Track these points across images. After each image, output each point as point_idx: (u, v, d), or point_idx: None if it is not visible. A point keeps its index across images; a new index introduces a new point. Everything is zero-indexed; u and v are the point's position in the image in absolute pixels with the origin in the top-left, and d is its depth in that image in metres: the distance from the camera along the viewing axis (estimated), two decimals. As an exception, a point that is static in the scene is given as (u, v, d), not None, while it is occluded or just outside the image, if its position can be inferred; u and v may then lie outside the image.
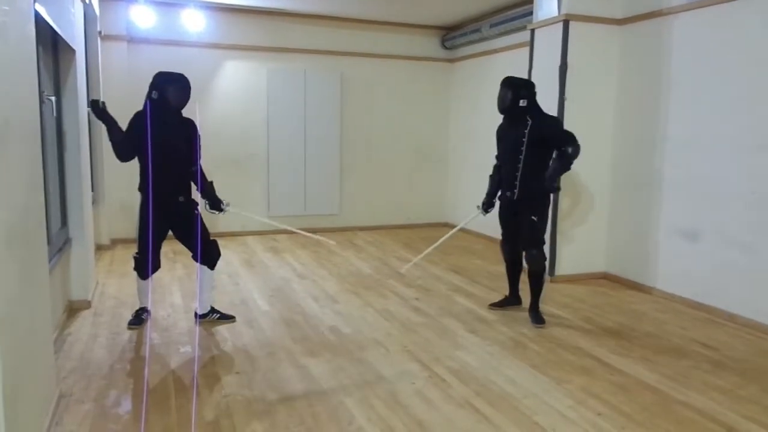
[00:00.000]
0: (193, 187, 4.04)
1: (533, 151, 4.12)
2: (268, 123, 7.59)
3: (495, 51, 7.36)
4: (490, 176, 4.52)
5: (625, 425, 2.83)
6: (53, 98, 4.11)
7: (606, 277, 5.62)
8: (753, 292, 4.29)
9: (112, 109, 6.76)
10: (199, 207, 4.06)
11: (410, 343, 3.88)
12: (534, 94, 4.17)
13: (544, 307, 4.67)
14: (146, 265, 3.94)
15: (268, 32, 7.48)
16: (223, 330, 4.09)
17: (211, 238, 4.16)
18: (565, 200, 5.45)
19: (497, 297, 4.80)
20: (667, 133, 4.98)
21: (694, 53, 4.73)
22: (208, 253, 4.09)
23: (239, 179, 7.38)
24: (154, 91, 3.83)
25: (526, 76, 5.72)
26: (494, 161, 4.51)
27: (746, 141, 4.33)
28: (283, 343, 3.86)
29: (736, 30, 4.38)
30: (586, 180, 5.49)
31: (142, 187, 3.92)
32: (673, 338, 4.07)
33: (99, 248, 6.38)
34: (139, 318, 4.13)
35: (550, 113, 4.48)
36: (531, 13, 5.81)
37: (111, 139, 3.86)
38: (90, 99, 3.72)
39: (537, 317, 4.29)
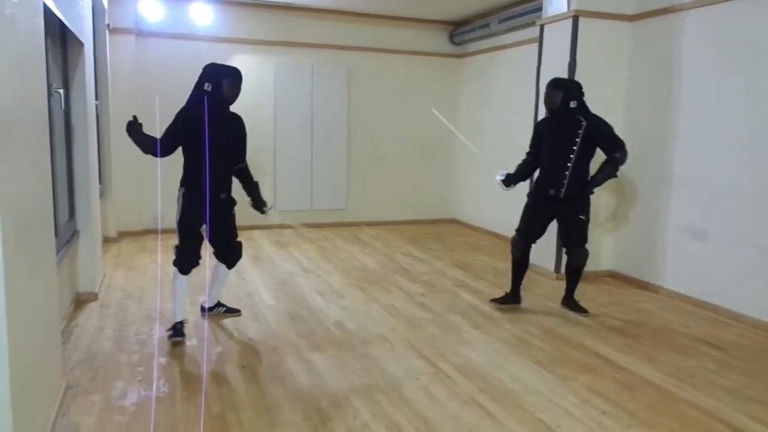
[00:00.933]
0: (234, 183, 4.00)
1: (583, 152, 4.21)
2: (275, 117, 7.59)
3: (504, 47, 7.33)
4: (519, 165, 4.55)
5: (630, 423, 2.82)
6: (61, 91, 4.12)
7: (612, 276, 5.60)
8: (760, 291, 4.27)
9: (119, 102, 6.81)
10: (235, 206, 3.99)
11: (415, 338, 3.89)
12: (582, 94, 4.23)
13: (548, 304, 4.68)
14: (190, 256, 3.78)
15: (276, 26, 7.48)
16: (229, 324, 4.10)
17: (237, 239, 4.09)
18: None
19: (502, 293, 4.79)
20: (677, 130, 4.95)
21: (706, 50, 4.70)
22: (231, 254, 4.07)
23: (246, 173, 7.38)
24: (207, 84, 3.66)
25: (534, 73, 5.71)
26: (524, 156, 4.56)
27: (756, 139, 4.30)
28: (288, 337, 3.87)
29: (748, 27, 4.34)
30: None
31: (187, 182, 3.79)
32: (679, 337, 4.05)
33: (106, 241, 6.41)
34: (180, 331, 3.77)
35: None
36: (540, 9, 5.79)
37: (149, 151, 3.67)
38: (129, 120, 3.62)
39: (581, 307, 4.48)
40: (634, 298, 4.97)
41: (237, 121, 3.93)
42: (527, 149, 4.57)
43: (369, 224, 8.18)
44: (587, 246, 4.38)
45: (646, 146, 5.22)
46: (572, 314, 4.46)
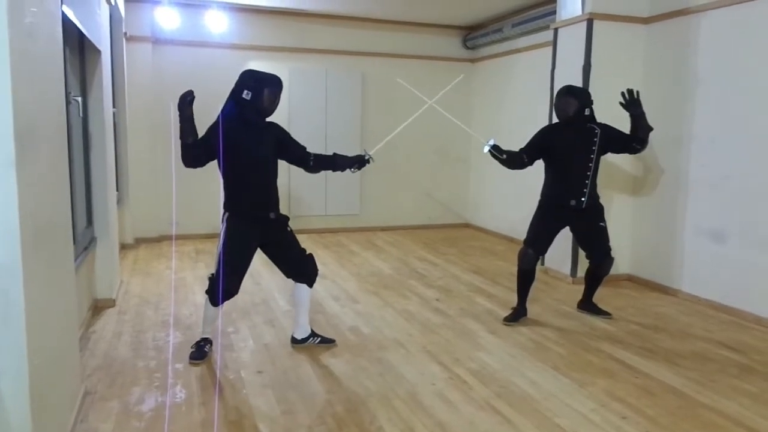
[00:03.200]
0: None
1: (599, 160, 4.21)
2: (289, 123, 7.60)
3: (517, 51, 7.31)
4: (513, 153, 4.25)
5: (650, 429, 2.78)
6: (79, 99, 4.17)
7: (630, 279, 5.54)
8: (782, 295, 4.20)
9: (136, 110, 6.89)
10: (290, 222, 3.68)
11: (430, 343, 3.87)
12: (592, 102, 4.21)
13: (565, 308, 4.64)
14: (228, 289, 3.41)
15: (290, 32, 7.52)
16: (244, 330, 4.11)
17: (307, 253, 3.75)
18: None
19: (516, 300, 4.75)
20: (693, 132, 4.89)
21: (721, 52, 4.65)
22: (305, 270, 3.70)
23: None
24: (246, 92, 3.31)
25: (548, 77, 5.68)
26: (520, 151, 4.29)
27: (775, 141, 4.24)
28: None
29: (764, 28, 4.28)
30: (609, 180, 5.41)
31: (230, 205, 3.45)
32: (698, 341, 3.99)
33: (123, 247, 6.47)
34: (201, 351, 3.55)
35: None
36: (554, 13, 5.76)
37: (183, 140, 3.27)
38: (184, 93, 3.19)
39: (603, 310, 4.48)
40: (653, 302, 4.91)
41: (274, 129, 3.56)
42: (522, 147, 4.32)
43: (384, 229, 8.18)
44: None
45: (663, 148, 5.16)
46: (589, 318, 4.41)
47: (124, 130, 6.47)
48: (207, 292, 3.49)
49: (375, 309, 4.61)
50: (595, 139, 4.15)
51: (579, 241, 4.53)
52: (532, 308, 4.49)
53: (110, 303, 4.57)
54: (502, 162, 4.22)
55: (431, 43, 8.20)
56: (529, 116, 6.87)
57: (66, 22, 3.13)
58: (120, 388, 3.14)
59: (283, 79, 7.96)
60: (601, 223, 4.29)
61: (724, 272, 4.64)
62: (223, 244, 3.39)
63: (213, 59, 7.15)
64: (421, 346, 3.83)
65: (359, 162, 3.73)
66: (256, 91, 3.32)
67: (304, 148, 3.64)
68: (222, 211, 3.49)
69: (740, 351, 3.82)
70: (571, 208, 4.20)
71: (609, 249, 4.33)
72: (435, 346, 3.82)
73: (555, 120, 5.56)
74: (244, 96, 3.32)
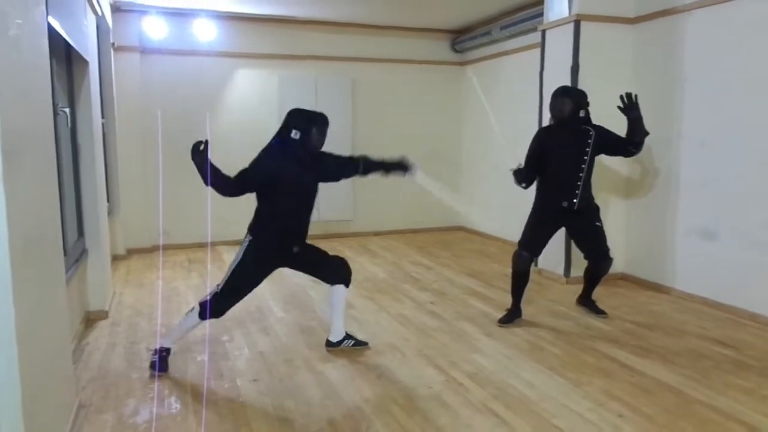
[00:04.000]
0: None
1: (592, 161, 4.18)
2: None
3: (506, 53, 7.34)
4: (521, 171, 4.27)
5: (647, 427, 2.79)
6: (67, 110, 4.15)
7: (624, 278, 5.56)
8: (774, 290, 4.22)
9: (125, 120, 6.86)
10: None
11: (426, 347, 3.86)
12: (588, 104, 4.19)
13: (560, 308, 4.65)
14: (221, 309, 3.40)
15: (279, 40, 7.52)
16: (239, 338, 4.09)
17: (333, 255, 3.75)
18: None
19: (510, 304, 4.75)
20: (682, 131, 4.92)
21: (709, 51, 4.68)
22: (338, 266, 3.69)
23: (253, 187, 7.40)
24: (294, 131, 3.36)
25: (537, 78, 5.70)
26: (522, 165, 4.28)
27: (763, 138, 4.26)
28: (299, 349, 3.86)
29: (751, 26, 4.32)
30: (602, 180, 5.42)
31: (258, 232, 3.41)
32: (693, 338, 4.01)
33: (115, 258, 6.43)
34: (164, 362, 3.45)
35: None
36: (541, 14, 5.79)
37: (207, 183, 3.13)
38: (195, 143, 3.08)
39: (600, 309, 4.49)
40: (647, 300, 4.93)
41: (320, 160, 3.56)
42: (524, 160, 4.32)
43: (377, 234, 8.17)
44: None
45: (653, 148, 5.19)
46: (584, 318, 4.42)
47: (114, 140, 6.44)
48: (201, 305, 3.37)
49: (370, 314, 4.60)
50: (589, 141, 4.13)
51: (576, 242, 4.50)
52: (527, 309, 4.49)
53: (103, 315, 4.54)
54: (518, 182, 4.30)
55: (420, 47, 8.22)
56: (518, 117, 6.90)
57: (52, 33, 3.11)
58: (114, 400, 3.12)
59: (272, 86, 8.02)
60: (597, 224, 4.27)
61: (717, 270, 4.66)
62: (237, 267, 3.36)
63: (202, 68, 7.14)
64: (417, 350, 3.83)
65: (404, 168, 3.78)
66: (305, 130, 3.37)
67: (349, 156, 3.76)
68: (247, 231, 3.43)
69: (734, 347, 3.83)
70: (564, 209, 4.19)
71: (607, 249, 4.32)
72: (431, 350, 3.81)
73: (545, 121, 5.62)
74: (292, 136, 3.37)
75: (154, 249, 7.06)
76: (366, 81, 8.00)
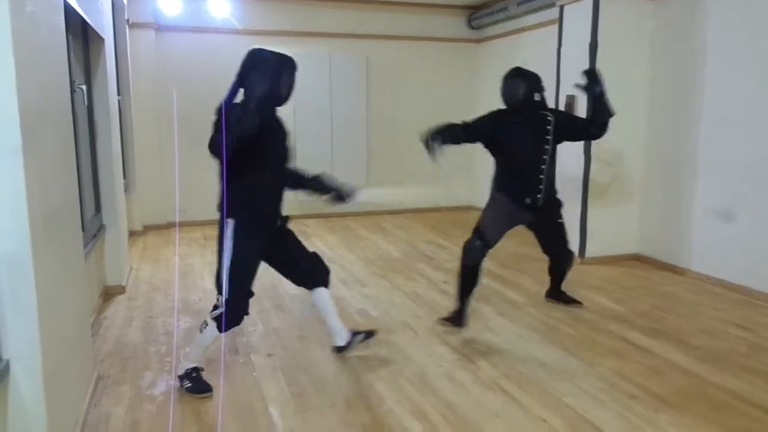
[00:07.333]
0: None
1: (554, 151, 3.73)
2: (294, 108, 7.59)
3: (523, 29, 7.22)
4: (448, 126, 3.74)
5: (659, 408, 2.79)
6: (84, 87, 4.17)
7: (639, 259, 5.52)
8: (792, 272, 4.18)
9: (141, 97, 6.88)
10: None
11: (438, 325, 3.88)
12: (544, 88, 3.74)
13: (574, 288, 4.64)
14: (238, 313, 2.93)
15: (293, 17, 7.47)
16: (254, 314, 4.11)
17: (312, 251, 3.29)
18: (596, 180, 5.35)
19: (526, 280, 4.76)
20: (703, 111, 4.84)
21: (731, 28, 4.58)
22: (315, 265, 3.26)
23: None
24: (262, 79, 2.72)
25: (555, 56, 5.62)
26: (459, 123, 3.81)
27: (785, 117, 4.19)
28: (312, 326, 3.89)
29: (775, 2, 4.22)
30: (618, 160, 5.38)
31: (237, 210, 2.84)
32: (707, 320, 3.99)
33: (132, 234, 6.50)
34: (202, 381, 3.00)
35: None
36: (560, -10, 5.68)
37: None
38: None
39: (574, 299, 4.28)
40: (661, 281, 4.90)
41: (282, 122, 3.01)
42: (465, 121, 3.83)
43: (391, 213, 8.18)
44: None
45: (672, 127, 5.12)
46: (598, 298, 4.41)
47: (130, 117, 6.48)
48: (216, 318, 2.88)
49: (383, 292, 4.63)
50: (549, 128, 3.66)
51: (538, 239, 4.03)
52: (540, 290, 4.48)
53: (120, 290, 4.61)
54: (436, 141, 3.66)
55: (436, 24, 8.12)
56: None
57: (68, 10, 3.12)
58: (132, 373, 3.18)
59: (287, 63, 7.93)
60: (560, 220, 3.92)
61: (733, 251, 4.62)
62: (233, 262, 2.82)
63: (216, 45, 7.12)
64: (429, 328, 3.85)
65: (338, 195, 3.17)
66: (274, 78, 2.75)
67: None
68: (224, 216, 2.86)
69: (750, 329, 3.81)
70: (526, 206, 3.76)
71: (568, 247, 4.05)
72: (443, 328, 3.83)
73: (563, 99, 5.55)
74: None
75: (170, 225, 7.13)
76: (380, 58, 7.94)
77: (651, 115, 5.36)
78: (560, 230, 3.98)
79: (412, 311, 4.17)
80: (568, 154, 5.51)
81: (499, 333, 3.76)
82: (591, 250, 5.41)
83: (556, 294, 4.34)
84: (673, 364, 3.29)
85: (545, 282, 4.70)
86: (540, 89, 3.70)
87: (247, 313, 2.98)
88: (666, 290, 4.65)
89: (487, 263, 4.89)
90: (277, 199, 3.01)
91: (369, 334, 3.44)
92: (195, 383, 2.96)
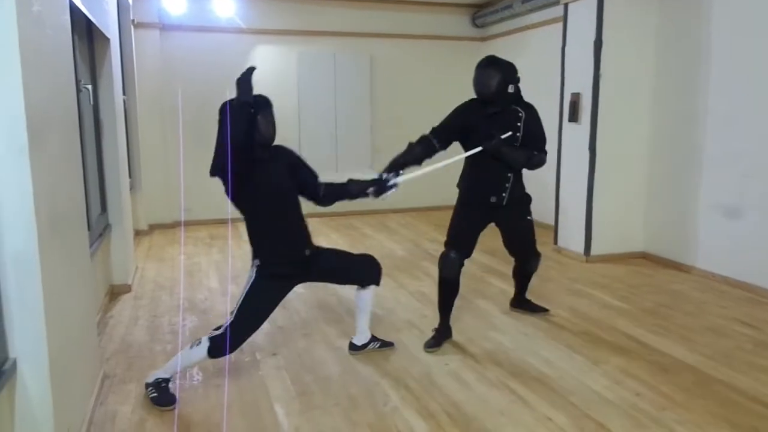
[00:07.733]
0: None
1: (523, 147, 3.49)
2: (299, 107, 7.61)
3: (527, 27, 7.21)
4: (411, 144, 3.67)
5: (665, 406, 2.78)
6: (89, 87, 4.19)
7: (645, 257, 5.51)
8: (798, 270, 4.16)
9: (146, 98, 6.89)
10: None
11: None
12: (519, 79, 3.52)
13: (579, 286, 4.63)
14: (233, 347, 2.86)
15: (298, 16, 7.48)
16: (259, 312, 4.15)
17: (358, 254, 3.39)
18: (601, 178, 5.33)
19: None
20: (708, 107, 4.82)
21: (736, 25, 4.56)
22: (371, 270, 3.29)
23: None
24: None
25: (559, 54, 5.61)
26: (427, 134, 3.73)
27: (792, 114, 4.17)
28: (317, 325, 3.90)
29: (782, -2, 4.20)
30: (623, 158, 5.36)
31: (260, 252, 2.94)
32: (713, 317, 3.97)
33: (137, 233, 6.52)
34: (167, 394, 2.87)
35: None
36: (564, -12, 5.67)
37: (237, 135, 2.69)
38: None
39: (540, 307, 4.08)
40: (667, 279, 4.89)
41: (283, 153, 3.05)
42: (434, 126, 3.71)
43: (396, 211, 8.17)
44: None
45: (677, 124, 5.10)
46: (603, 296, 4.40)
47: (135, 116, 6.50)
48: (211, 341, 2.82)
49: (388, 291, 4.63)
50: (519, 124, 3.46)
51: (504, 238, 3.76)
52: (546, 287, 4.48)
53: (126, 288, 4.63)
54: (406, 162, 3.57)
55: (440, 23, 8.12)
56: (540, 94, 6.79)
57: (74, 10, 3.13)
58: (138, 372, 3.19)
59: (291, 63, 7.99)
60: (528, 218, 3.70)
61: (739, 248, 4.60)
62: (246, 299, 2.88)
63: (221, 45, 7.14)
64: (435, 326, 3.84)
65: (377, 186, 3.22)
66: (250, 123, 2.81)
67: (317, 177, 3.15)
68: (252, 257, 2.97)
69: (756, 327, 3.80)
70: (492, 205, 3.56)
71: (534, 246, 3.80)
72: (448, 327, 3.82)
73: (567, 98, 5.54)
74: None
75: (175, 225, 7.15)
76: (385, 57, 7.94)
77: (656, 113, 5.35)
78: (526, 229, 3.71)
79: (417, 310, 4.17)
80: (570, 154, 5.51)
81: (505, 332, 3.76)
82: (595, 249, 5.40)
83: (521, 302, 4.12)
84: (679, 361, 3.28)
85: (551, 280, 4.69)
86: (515, 80, 3.48)
87: (236, 348, 2.92)
88: (672, 288, 4.64)
89: (488, 264, 4.85)
90: (292, 233, 3.00)
91: (385, 344, 3.49)
92: (162, 394, 2.86)
